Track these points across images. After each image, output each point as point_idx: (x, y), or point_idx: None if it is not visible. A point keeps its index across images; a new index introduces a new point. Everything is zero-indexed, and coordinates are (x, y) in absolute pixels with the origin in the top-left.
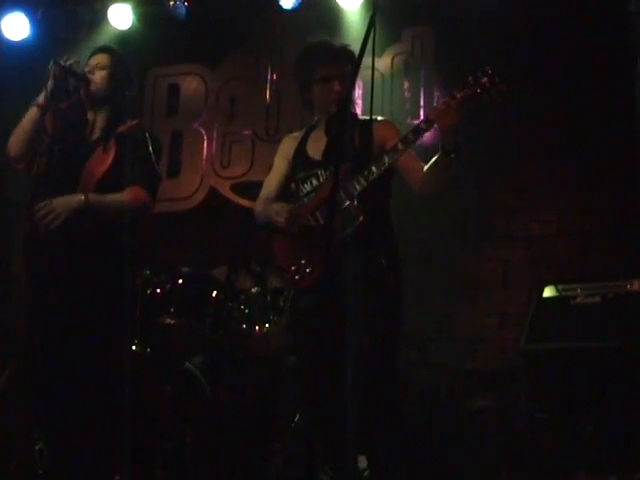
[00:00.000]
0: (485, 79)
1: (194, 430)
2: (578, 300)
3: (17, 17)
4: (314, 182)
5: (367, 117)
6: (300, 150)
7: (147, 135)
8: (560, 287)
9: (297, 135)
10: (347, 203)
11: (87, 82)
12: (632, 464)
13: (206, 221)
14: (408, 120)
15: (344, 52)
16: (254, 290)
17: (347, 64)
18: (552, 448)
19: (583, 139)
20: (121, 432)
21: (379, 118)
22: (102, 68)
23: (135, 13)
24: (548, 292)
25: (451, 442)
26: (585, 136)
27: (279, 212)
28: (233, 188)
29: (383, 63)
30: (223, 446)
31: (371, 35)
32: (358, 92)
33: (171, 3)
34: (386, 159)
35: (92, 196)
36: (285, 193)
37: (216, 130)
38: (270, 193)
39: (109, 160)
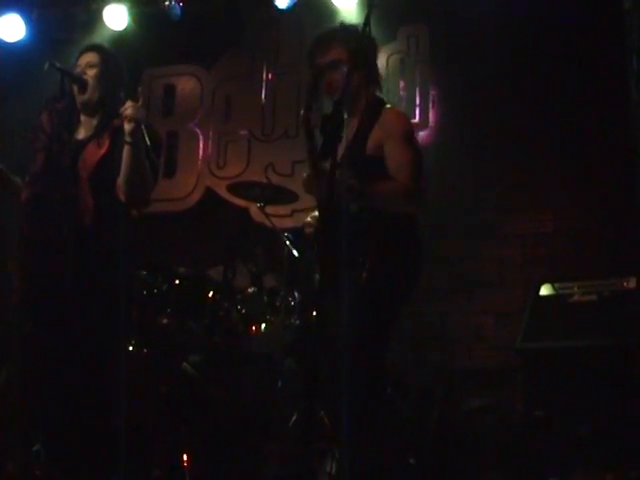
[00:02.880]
0: None
1: (191, 430)
2: (574, 298)
3: (12, 18)
4: None
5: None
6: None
7: (143, 127)
8: (556, 285)
9: None
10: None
11: (84, 83)
12: (628, 462)
13: (202, 221)
14: None
15: (330, 39)
16: (250, 290)
17: (333, 51)
18: (549, 446)
19: (578, 137)
20: (118, 432)
21: (386, 108)
22: (92, 66)
23: (130, 14)
24: (544, 290)
25: (448, 441)
26: (580, 134)
27: (305, 223)
28: (229, 188)
29: (379, 62)
30: (220, 446)
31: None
32: None
33: (166, 4)
34: None
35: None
36: None
37: (212, 130)
38: None
39: (103, 151)
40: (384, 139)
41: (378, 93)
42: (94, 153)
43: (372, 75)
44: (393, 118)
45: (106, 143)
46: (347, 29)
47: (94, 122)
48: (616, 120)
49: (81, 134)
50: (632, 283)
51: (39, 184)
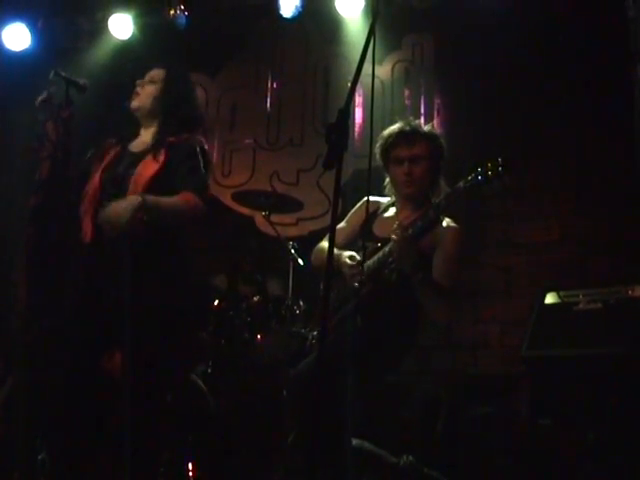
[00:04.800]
0: (490, 172)
1: (196, 439)
2: (580, 306)
3: (18, 27)
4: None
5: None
6: (367, 223)
7: (198, 148)
8: (562, 293)
9: (376, 203)
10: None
11: (85, 90)
12: (635, 471)
13: (207, 230)
14: None
15: (416, 134)
16: (256, 298)
17: (418, 146)
18: (554, 455)
19: (584, 145)
20: (123, 441)
21: (449, 223)
22: (152, 82)
23: (135, 23)
24: (550, 298)
25: (453, 448)
26: (586, 142)
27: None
28: (234, 197)
29: (383, 71)
30: (225, 456)
31: (371, 43)
32: (358, 100)
33: (171, 13)
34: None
35: (148, 196)
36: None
37: (217, 139)
38: (324, 247)
39: (158, 165)
40: (439, 245)
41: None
42: (149, 167)
43: (437, 183)
44: (454, 235)
45: (161, 158)
46: (429, 132)
47: (149, 134)
48: (622, 127)
49: (137, 147)
50: (637, 291)
51: (44, 193)
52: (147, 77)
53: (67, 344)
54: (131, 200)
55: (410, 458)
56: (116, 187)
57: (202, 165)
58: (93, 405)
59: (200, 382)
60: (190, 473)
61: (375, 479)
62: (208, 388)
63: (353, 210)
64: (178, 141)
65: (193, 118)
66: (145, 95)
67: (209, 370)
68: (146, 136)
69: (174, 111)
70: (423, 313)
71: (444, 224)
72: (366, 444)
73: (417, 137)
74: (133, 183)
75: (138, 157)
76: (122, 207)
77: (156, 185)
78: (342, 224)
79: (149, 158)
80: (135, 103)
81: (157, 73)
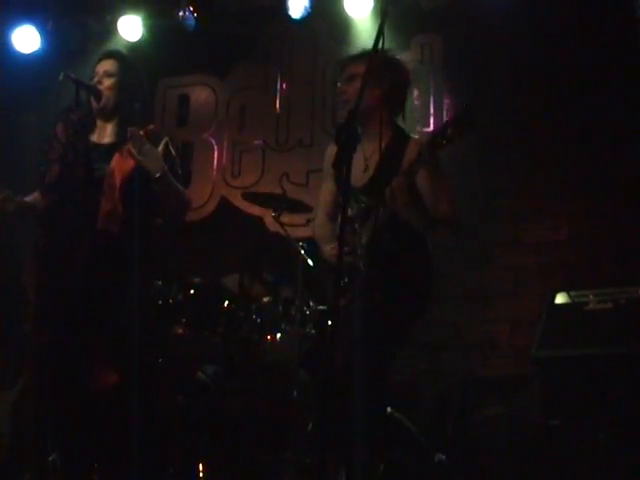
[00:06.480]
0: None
1: (206, 440)
2: (590, 306)
3: (27, 30)
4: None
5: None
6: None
7: (167, 139)
8: (572, 293)
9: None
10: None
11: (98, 93)
12: None
13: (217, 231)
14: (418, 128)
15: (354, 57)
16: (266, 299)
17: (356, 65)
18: (565, 455)
19: (593, 145)
20: (133, 442)
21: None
22: (110, 76)
23: (145, 24)
24: (560, 298)
25: (463, 449)
26: (595, 142)
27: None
28: (245, 195)
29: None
30: (235, 456)
31: (380, 43)
32: None
33: (180, 14)
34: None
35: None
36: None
37: (226, 140)
38: (323, 218)
39: (131, 162)
40: (416, 170)
41: (401, 124)
42: (124, 162)
43: (392, 101)
44: (421, 149)
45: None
46: (376, 53)
47: (110, 128)
48: (632, 127)
49: (97, 137)
50: None
51: (55, 194)
52: (100, 70)
53: (76, 344)
54: (160, 159)
55: (443, 457)
56: (83, 186)
57: (175, 156)
58: (104, 406)
59: (210, 383)
60: (200, 474)
61: (400, 454)
62: (218, 389)
63: (325, 167)
64: (145, 134)
65: (145, 107)
66: (106, 89)
67: (219, 371)
68: (105, 127)
69: (132, 103)
70: (431, 271)
71: (409, 143)
72: (396, 413)
73: (355, 59)
74: (107, 183)
75: (107, 150)
76: (151, 154)
77: (134, 179)
78: (322, 192)
79: (117, 156)
80: (103, 99)
81: (110, 64)
